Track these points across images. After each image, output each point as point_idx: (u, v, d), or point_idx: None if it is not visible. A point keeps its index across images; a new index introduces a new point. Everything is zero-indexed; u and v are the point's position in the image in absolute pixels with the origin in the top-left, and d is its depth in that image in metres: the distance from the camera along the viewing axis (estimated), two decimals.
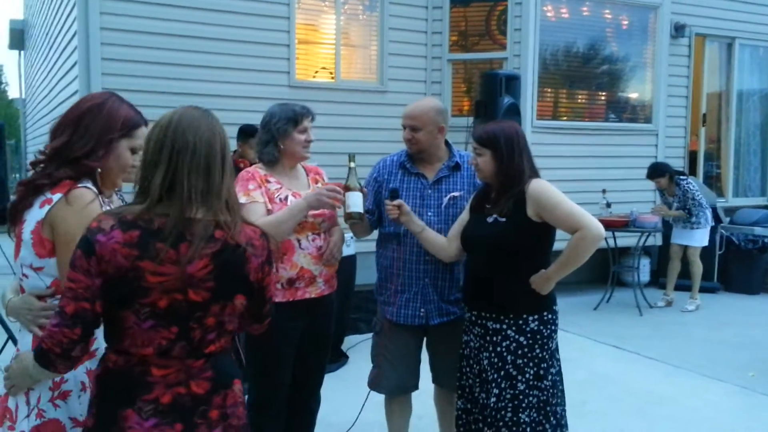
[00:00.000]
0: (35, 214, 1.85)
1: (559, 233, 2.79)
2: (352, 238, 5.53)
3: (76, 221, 1.80)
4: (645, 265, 7.91)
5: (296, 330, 2.97)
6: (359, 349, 5.55)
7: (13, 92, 33.01)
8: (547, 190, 2.74)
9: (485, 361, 2.81)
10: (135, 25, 5.88)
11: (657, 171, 7.07)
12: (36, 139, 10.55)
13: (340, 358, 5.25)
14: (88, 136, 1.89)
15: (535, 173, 2.82)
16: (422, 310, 3.09)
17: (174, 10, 6.01)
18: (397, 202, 2.90)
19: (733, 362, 5.38)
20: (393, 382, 3.22)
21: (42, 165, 1.92)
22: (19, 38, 13.21)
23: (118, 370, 1.64)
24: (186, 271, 1.58)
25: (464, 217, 2.98)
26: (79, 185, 1.86)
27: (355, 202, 2.77)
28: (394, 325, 3.13)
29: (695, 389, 4.81)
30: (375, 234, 3.28)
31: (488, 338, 2.81)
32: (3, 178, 4.66)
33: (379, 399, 3.66)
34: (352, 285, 5.42)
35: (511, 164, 2.77)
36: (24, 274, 1.90)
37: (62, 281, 1.84)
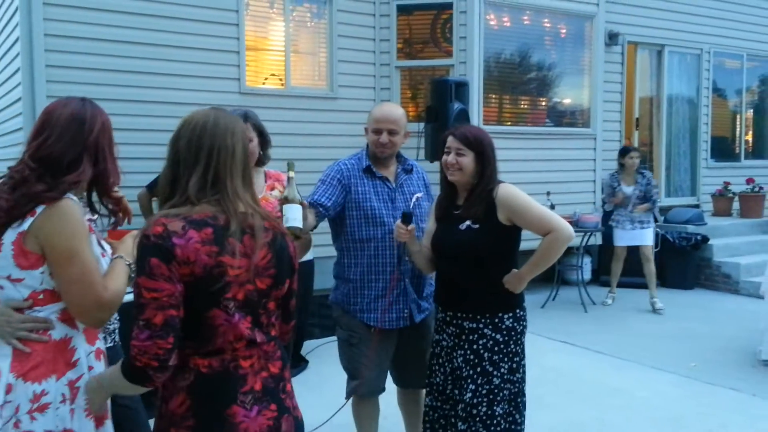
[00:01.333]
0: (17, 226, 1.83)
1: (523, 234, 2.93)
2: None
3: (69, 233, 1.81)
4: (587, 264, 8.20)
5: None
6: (318, 353, 5.59)
7: None
8: (517, 194, 2.84)
9: (460, 359, 2.89)
10: (80, 31, 5.75)
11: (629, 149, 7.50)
12: None
13: (300, 363, 5.27)
14: (80, 146, 1.90)
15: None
16: (406, 310, 3.17)
17: (121, 17, 5.91)
18: (411, 227, 2.92)
19: (676, 354, 5.66)
20: (372, 386, 3.25)
21: (24, 175, 1.87)
22: None
23: (215, 373, 1.65)
24: (254, 262, 1.66)
25: (431, 227, 3.06)
26: (63, 196, 1.85)
27: (295, 216, 2.25)
28: (377, 331, 3.14)
29: (643, 380, 5.05)
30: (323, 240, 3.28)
31: (464, 337, 2.89)
32: None
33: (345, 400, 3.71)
34: (310, 291, 5.45)
35: (492, 169, 2.88)
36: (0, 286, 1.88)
37: (65, 291, 1.84)
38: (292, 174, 2.39)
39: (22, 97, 5.66)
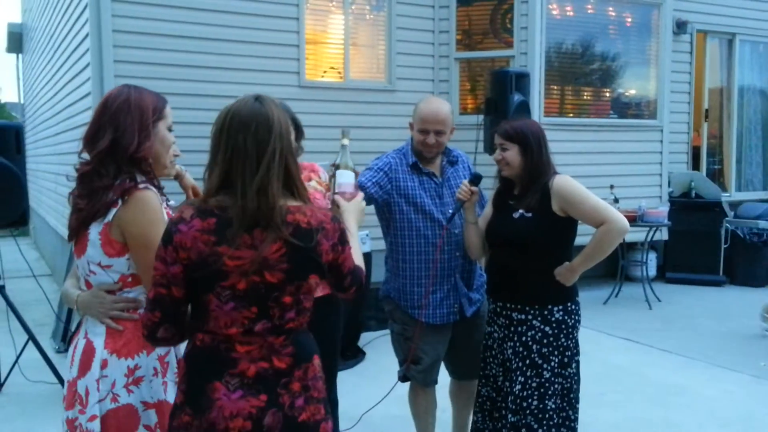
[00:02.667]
0: (102, 217, 1.94)
1: (585, 228, 2.87)
2: (367, 235, 5.58)
3: (145, 222, 1.92)
4: (652, 260, 7.97)
5: None
6: (375, 345, 5.60)
7: (5, 96, 32.79)
8: (572, 185, 2.81)
9: (509, 351, 2.88)
10: (146, 27, 5.90)
11: None
12: (37, 143, 10.53)
13: (357, 355, 5.30)
14: (130, 130, 1.96)
15: (554, 170, 2.91)
16: (456, 305, 3.16)
17: (184, 12, 6.04)
18: (474, 189, 2.94)
19: (744, 353, 5.45)
20: (427, 376, 3.25)
21: (93, 172, 1.97)
22: (17, 42, 13.19)
23: (205, 347, 1.73)
24: (262, 255, 1.66)
25: (488, 211, 3.06)
26: (140, 186, 1.95)
27: (347, 182, 2.32)
28: (430, 326, 3.13)
29: (710, 379, 4.88)
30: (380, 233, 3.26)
31: (513, 328, 2.88)
32: (23, 181, 4.65)
33: (401, 393, 3.72)
34: (367, 283, 5.45)
35: (540, 159, 2.86)
36: (91, 271, 2.00)
37: (143, 276, 1.95)
38: (346, 141, 2.42)
39: (91, 91, 5.85)
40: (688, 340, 5.81)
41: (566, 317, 2.84)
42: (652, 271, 7.95)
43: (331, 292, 1.88)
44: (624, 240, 7.13)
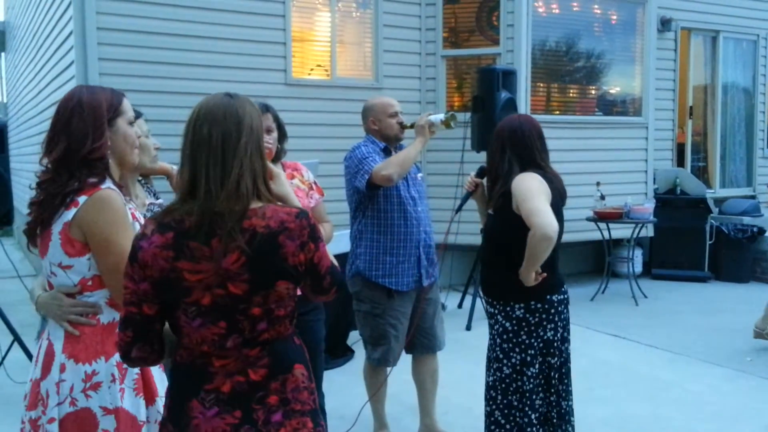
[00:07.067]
0: (64, 216, 1.93)
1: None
2: None
3: (105, 222, 1.91)
4: (638, 256, 8.01)
5: None
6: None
7: None
8: (522, 184, 2.79)
9: (489, 341, 3.01)
10: (131, 24, 5.86)
11: None
12: (20, 142, 10.43)
13: (346, 353, 5.29)
14: (83, 134, 1.94)
15: (528, 167, 2.87)
16: (418, 274, 3.52)
17: (170, 9, 6.00)
18: (479, 180, 3.18)
19: (730, 348, 5.49)
20: (396, 354, 3.55)
21: (50, 180, 1.97)
22: (0, 40, 13.05)
23: (183, 363, 1.68)
24: (221, 266, 1.58)
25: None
26: (102, 186, 1.94)
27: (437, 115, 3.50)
28: (397, 295, 3.47)
29: (697, 374, 4.92)
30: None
31: (490, 321, 3.02)
32: (7, 180, 4.61)
33: (393, 391, 3.74)
34: None
35: (497, 157, 2.94)
36: (52, 272, 1.99)
37: (105, 279, 1.95)
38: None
39: None
40: (675, 336, 5.84)
41: (528, 315, 2.85)
42: (638, 268, 7.99)
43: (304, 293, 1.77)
44: (610, 236, 7.20)
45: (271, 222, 1.60)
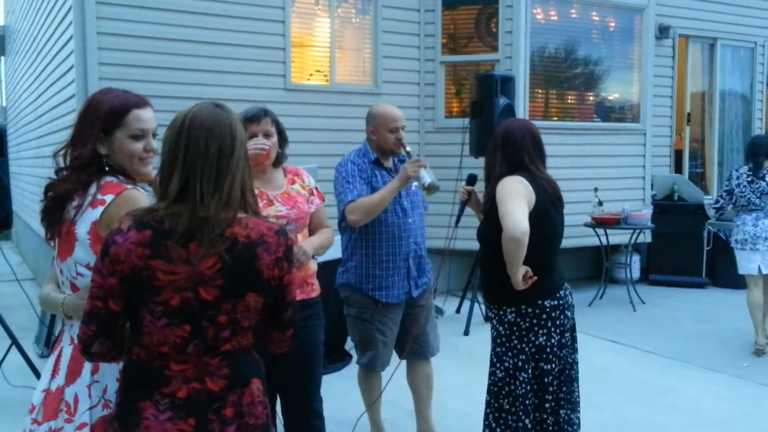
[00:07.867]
0: (89, 215, 1.91)
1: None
2: None
3: None
4: (636, 262, 8.03)
5: None
6: None
7: None
8: (503, 187, 2.80)
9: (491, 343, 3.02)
10: (132, 29, 5.88)
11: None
12: (20, 146, 10.44)
13: (344, 358, 5.29)
14: (83, 140, 1.97)
15: (516, 170, 2.87)
16: (408, 285, 3.51)
17: (170, 15, 6.02)
18: (470, 188, 3.26)
19: (727, 354, 5.51)
20: (384, 359, 3.56)
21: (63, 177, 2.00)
22: None
23: (140, 362, 1.67)
24: (197, 270, 1.60)
25: None
26: (129, 186, 1.95)
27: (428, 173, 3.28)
28: (385, 306, 3.46)
29: (694, 380, 4.93)
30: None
31: (490, 324, 3.05)
32: (5, 183, 4.60)
33: (390, 398, 3.75)
34: None
35: (488, 162, 3.00)
36: (78, 273, 1.95)
37: None
38: (409, 149, 3.42)
39: (75, 94, 5.82)
40: (672, 342, 5.86)
41: (519, 320, 2.84)
42: (636, 274, 8.02)
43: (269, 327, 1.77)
44: (608, 242, 7.22)
45: (252, 233, 1.65)
